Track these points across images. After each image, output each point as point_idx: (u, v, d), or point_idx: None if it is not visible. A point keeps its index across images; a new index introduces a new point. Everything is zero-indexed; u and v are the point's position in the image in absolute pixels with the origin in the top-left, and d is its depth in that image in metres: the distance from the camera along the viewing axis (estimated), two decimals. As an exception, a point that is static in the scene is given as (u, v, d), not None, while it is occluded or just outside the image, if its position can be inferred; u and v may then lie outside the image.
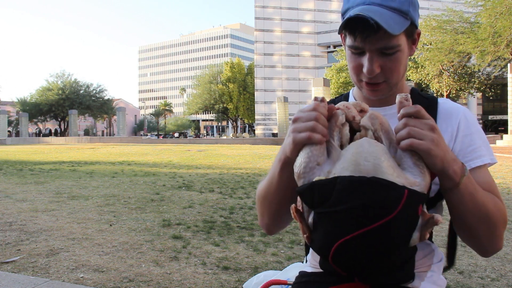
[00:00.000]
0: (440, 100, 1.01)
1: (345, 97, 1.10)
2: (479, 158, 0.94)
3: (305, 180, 0.76)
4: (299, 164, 0.77)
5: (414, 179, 0.73)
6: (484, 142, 0.96)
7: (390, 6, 0.87)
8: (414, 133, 0.73)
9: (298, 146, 0.78)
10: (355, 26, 0.87)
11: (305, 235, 0.80)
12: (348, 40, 0.92)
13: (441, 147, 0.75)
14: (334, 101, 1.10)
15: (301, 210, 0.81)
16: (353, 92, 1.09)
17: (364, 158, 0.72)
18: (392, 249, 0.73)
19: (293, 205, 0.79)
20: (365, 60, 0.90)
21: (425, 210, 0.75)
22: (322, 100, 0.79)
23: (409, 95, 0.77)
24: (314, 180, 0.74)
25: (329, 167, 0.75)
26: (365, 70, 0.90)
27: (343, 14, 0.93)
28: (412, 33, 0.93)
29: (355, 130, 0.81)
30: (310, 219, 0.79)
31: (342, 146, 0.79)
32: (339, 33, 0.94)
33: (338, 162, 0.75)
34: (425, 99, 1.01)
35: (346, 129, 0.80)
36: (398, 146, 0.75)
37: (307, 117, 0.78)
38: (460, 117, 0.97)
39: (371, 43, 0.88)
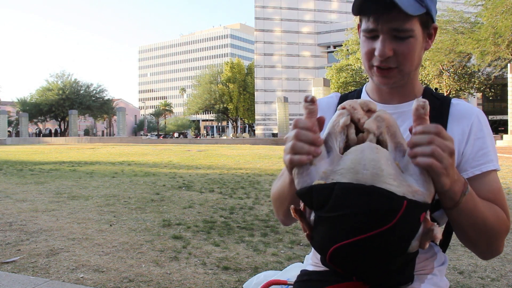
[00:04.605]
0: (453, 101, 0.99)
1: (358, 93, 1.08)
2: (491, 162, 0.92)
3: (301, 184, 0.76)
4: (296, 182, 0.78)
5: (417, 187, 0.71)
6: (493, 147, 0.94)
7: None
8: (438, 154, 0.71)
9: (288, 168, 0.79)
10: (369, 4, 0.86)
11: (305, 233, 0.80)
12: (363, 24, 0.91)
13: (452, 171, 0.74)
14: (346, 96, 1.09)
15: (301, 209, 0.81)
16: (366, 87, 1.07)
17: (363, 166, 0.71)
18: (389, 256, 0.73)
19: (292, 206, 0.80)
20: (378, 43, 0.88)
21: (428, 217, 0.73)
22: (312, 100, 0.76)
23: (427, 102, 0.73)
24: (313, 183, 0.74)
25: (325, 167, 0.74)
26: (377, 52, 0.89)
27: None
28: (427, 24, 0.91)
29: (361, 131, 0.78)
30: (312, 217, 0.79)
31: (348, 148, 0.76)
32: (354, 14, 0.91)
33: (337, 166, 0.73)
34: (437, 100, 0.99)
35: (352, 131, 0.77)
36: (413, 158, 0.72)
37: (290, 137, 0.77)
38: (473, 119, 0.94)
39: (384, 23, 0.86)
